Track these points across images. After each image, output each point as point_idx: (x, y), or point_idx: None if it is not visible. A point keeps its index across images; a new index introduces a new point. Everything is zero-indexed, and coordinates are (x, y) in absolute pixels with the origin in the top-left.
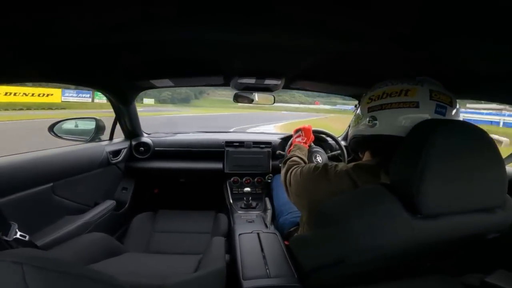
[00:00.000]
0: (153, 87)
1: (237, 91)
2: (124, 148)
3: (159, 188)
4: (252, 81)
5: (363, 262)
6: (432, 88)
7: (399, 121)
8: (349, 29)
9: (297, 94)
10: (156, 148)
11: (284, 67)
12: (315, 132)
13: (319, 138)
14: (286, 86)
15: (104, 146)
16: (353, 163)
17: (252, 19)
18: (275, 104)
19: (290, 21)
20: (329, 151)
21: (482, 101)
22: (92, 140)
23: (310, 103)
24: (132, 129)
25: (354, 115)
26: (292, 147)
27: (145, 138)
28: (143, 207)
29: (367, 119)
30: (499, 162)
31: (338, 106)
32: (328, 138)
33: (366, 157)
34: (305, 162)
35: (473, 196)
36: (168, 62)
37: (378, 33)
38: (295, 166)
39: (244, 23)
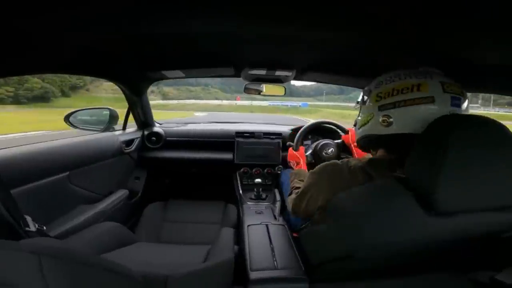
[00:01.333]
0: (164, 78)
1: (246, 83)
2: (137, 138)
3: (170, 178)
4: (262, 72)
5: (374, 258)
6: (442, 80)
7: (416, 118)
8: (359, 23)
9: (213, 89)
10: (167, 138)
11: (294, 58)
12: (324, 123)
13: (329, 130)
14: (298, 77)
15: (118, 135)
16: (367, 158)
17: (262, 11)
18: (185, 101)
19: (300, 14)
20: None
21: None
22: (106, 129)
23: (228, 99)
24: (144, 119)
25: (360, 113)
26: (291, 178)
27: (157, 128)
28: (154, 196)
29: (380, 118)
30: None
31: (272, 102)
32: (339, 130)
33: (379, 153)
34: None
35: (491, 194)
36: (179, 53)
37: (387, 28)
38: (301, 189)
39: (255, 15)
